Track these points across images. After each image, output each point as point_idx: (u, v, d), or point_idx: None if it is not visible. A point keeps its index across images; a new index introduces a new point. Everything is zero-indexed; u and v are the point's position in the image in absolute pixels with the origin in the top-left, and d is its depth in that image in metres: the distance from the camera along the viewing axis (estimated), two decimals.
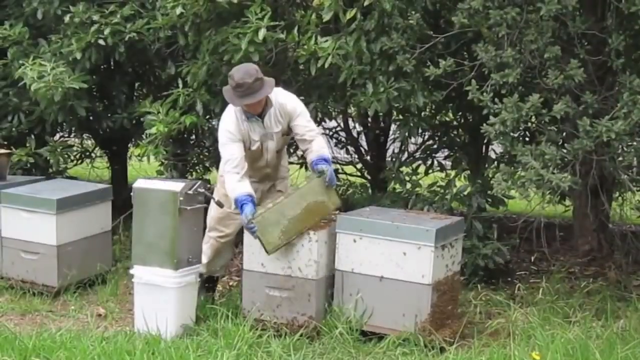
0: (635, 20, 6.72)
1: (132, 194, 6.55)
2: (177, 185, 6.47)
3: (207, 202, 6.70)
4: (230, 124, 6.56)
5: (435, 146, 9.02)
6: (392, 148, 9.60)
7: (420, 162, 8.88)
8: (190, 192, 6.46)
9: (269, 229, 6.33)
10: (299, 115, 6.65)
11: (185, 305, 6.53)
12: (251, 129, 6.60)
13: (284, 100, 6.65)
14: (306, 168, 9.87)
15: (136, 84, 9.71)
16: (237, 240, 7.14)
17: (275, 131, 6.65)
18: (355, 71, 7.33)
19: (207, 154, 9.03)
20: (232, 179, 6.49)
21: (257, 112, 6.55)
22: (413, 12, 7.17)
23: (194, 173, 9.12)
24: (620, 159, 6.77)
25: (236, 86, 6.37)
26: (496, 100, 6.59)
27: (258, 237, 6.32)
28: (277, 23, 7.43)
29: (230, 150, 6.53)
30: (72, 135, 10.15)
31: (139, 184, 6.56)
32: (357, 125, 9.85)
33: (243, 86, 6.34)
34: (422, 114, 8.01)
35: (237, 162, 6.49)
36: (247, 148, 6.62)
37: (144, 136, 9.09)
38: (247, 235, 6.53)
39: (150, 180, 6.68)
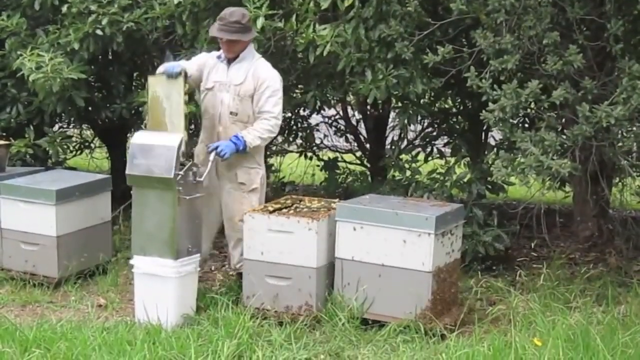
0: (634, 5, 6.71)
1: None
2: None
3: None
4: (205, 54, 7.05)
5: (434, 133, 9.03)
6: (392, 136, 9.59)
7: (419, 149, 8.88)
8: (190, 181, 6.46)
9: None
10: (268, 90, 6.69)
11: (185, 294, 6.53)
12: (215, 68, 6.83)
13: (264, 66, 6.81)
14: (305, 156, 9.89)
15: (134, 74, 9.69)
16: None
17: (235, 82, 6.72)
18: (354, 59, 7.31)
19: None
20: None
21: (227, 55, 6.77)
22: None
23: None
24: (620, 144, 6.77)
25: (218, 18, 6.71)
26: (495, 86, 6.58)
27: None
28: (275, 11, 7.41)
29: (190, 61, 6.96)
30: (71, 126, 10.15)
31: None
32: (356, 113, 9.85)
33: (222, 20, 6.69)
34: (421, 101, 8.00)
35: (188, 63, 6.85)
36: (204, 85, 6.87)
37: (142, 126, 9.09)
38: (246, 227, 6.54)
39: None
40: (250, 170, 6.87)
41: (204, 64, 6.90)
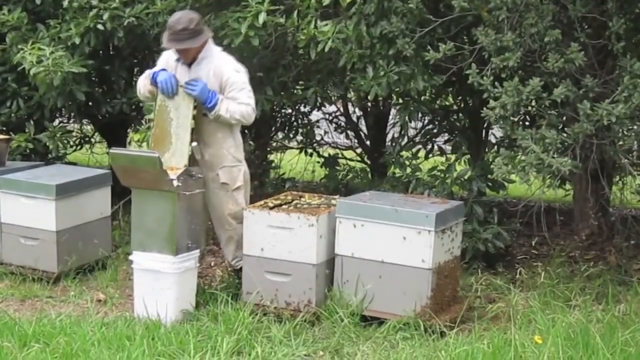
0: (636, 4, 6.70)
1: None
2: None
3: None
4: (165, 54, 6.85)
5: (435, 130, 9.01)
6: (392, 132, 9.60)
7: (420, 146, 8.87)
8: (190, 177, 6.46)
9: None
10: (237, 85, 6.60)
11: (184, 290, 6.52)
12: (176, 70, 6.73)
13: (223, 62, 6.67)
14: (305, 153, 9.88)
15: (135, 69, 9.68)
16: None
17: None
18: (355, 55, 7.30)
19: None
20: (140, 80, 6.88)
21: (185, 60, 6.67)
22: None
23: None
24: (621, 142, 6.76)
25: (167, 27, 6.58)
26: (496, 84, 6.57)
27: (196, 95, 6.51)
28: (276, 7, 7.40)
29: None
30: (71, 121, 10.13)
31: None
32: (356, 109, 9.84)
33: (170, 29, 6.54)
34: (422, 98, 8.00)
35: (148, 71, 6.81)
36: None
37: (143, 121, 9.10)
38: (246, 223, 6.54)
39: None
40: (232, 169, 6.84)
41: (168, 67, 6.77)
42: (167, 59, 6.81)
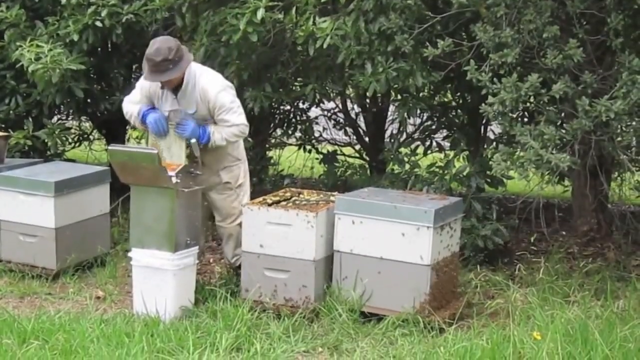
0: (634, 0, 6.69)
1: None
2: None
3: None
4: (145, 82, 6.69)
5: (433, 127, 9.01)
6: (391, 129, 9.60)
7: (418, 142, 8.87)
8: (189, 174, 6.46)
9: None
10: (224, 107, 6.54)
11: (183, 287, 6.53)
12: (163, 98, 6.66)
13: (207, 86, 6.55)
14: (304, 149, 9.88)
15: (134, 66, 9.68)
16: None
17: (189, 112, 6.59)
18: (354, 52, 7.29)
19: None
20: (128, 106, 6.81)
21: (169, 88, 6.59)
22: None
23: None
24: (619, 138, 6.75)
25: (146, 59, 6.46)
26: (495, 80, 6.56)
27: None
28: (275, 3, 7.40)
29: (135, 96, 6.79)
30: (70, 118, 10.13)
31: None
32: (355, 106, 9.84)
33: (150, 62, 6.42)
34: (421, 94, 8.00)
35: (134, 102, 6.77)
36: None
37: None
38: (245, 219, 6.54)
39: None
40: (233, 168, 6.89)
41: (151, 94, 6.70)
42: (150, 87, 6.69)
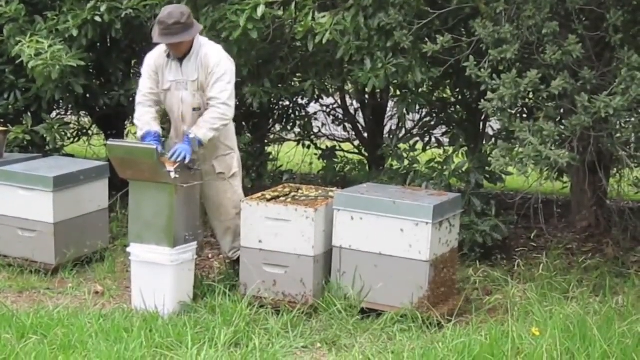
0: None
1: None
2: None
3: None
4: (151, 56, 6.81)
5: (432, 122, 9.00)
6: (390, 125, 9.59)
7: (417, 138, 8.85)
8: (188, 169, 6.46)
9: None
10: (214, 76, 6.56)
11: (182, 282, 6.53)
12: (168, 68, 6.71)
13: (210, 52, 6.64)
14: (303, 145, 9.87)
15: (133, 61, 9.67)
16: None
17: (191, 79, 6.64)
18: (353, 47, 7.29)
19: None
20: (139, 109, 6.80)
21: (177, 55, 6.64)
22: None
23: None
24: (618, 135, 6.76)
25: (158, 22, 6.53)
26: (494, 76, 6.57)
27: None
28: (274, 0, 7.41)
29: (142, 82, 6.82)
30: (68, 113, 10.11)
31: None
32: (354, 102, 9.83)
33: (162, 24, 6.49)
34: (420, 90, 7.98)
35: (143, 92, 6.78)
36: (161, 87, 6.76)
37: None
38: (244, 215, 6.54)
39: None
40: (226, 158, 6.88)
41: (157, 66, 6.75)
42: (155, 61, 6.76)
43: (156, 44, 6.76)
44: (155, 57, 6.77)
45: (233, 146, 6.93)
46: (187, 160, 6.43)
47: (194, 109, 6.68)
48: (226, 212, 6.86)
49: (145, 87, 6.80)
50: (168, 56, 6.69)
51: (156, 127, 6.72)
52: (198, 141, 6.49)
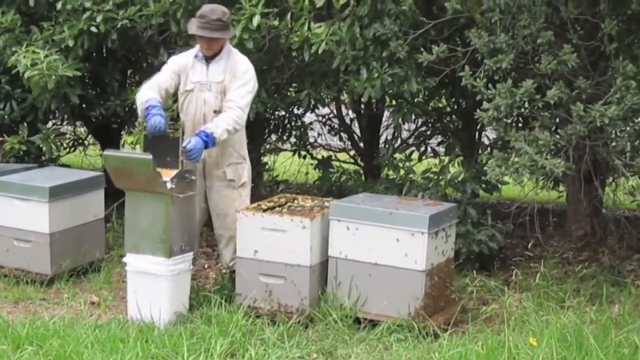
0: (628, 5, 6.71)
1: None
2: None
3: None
4: (177, 57, 6.90)
5: (428, 132, 9.01)
6: (386, 134, 9.59)
7: (413, 148, 8.87)
8: (184, 180, 6.46)
9: None
10: (239, 80, 6.62)
11: (178, 293, 6.52)
12: (193, 69, 6.73)
13: (241, 59, 6.74)
14: (299, 155, 9.88)
15: (129, 71, 9.68)
16: None
17: (216, 81, 6.66)
18: (349, 57, 7.30)
19: None
20: (144, 89, 6.77)
21: (207, 53, 6.68)
22: None
23: None
24: (614, 144, 6.77)
25: (199, 16, 6.61)
26: (489, 86, 6.58)
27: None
28: (270, 9, 7.41)
29: (158, 75, 6.83)
30: (64, 123, 10.13)
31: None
32: (350, 111, 9.84)
33: (203, 18, 6.58)
34: (416, 100, 8.00)
35: (156, 81, 6.78)
36: (183, 88, 6.76)
37: (136, 123, 9.08)
38: (240, 225, 6.54)
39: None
40: (237, 166, 6.87)
41: (180, 67, 6.77)
42: (180, 61, 6.80)
43: (188, 47, 6.93)
44: (180, 58, 6.84)
45: (245, 156, 6.94)
46: (198, 160, 6.46)
47: (214, 111, 6.67)
48: (232, 221, 6.85)
49: (159, 78, 6.78)
50: (196, 57, 6.72)
51: (159, 99, 6.69)
52: (212, 141, 6.48)
